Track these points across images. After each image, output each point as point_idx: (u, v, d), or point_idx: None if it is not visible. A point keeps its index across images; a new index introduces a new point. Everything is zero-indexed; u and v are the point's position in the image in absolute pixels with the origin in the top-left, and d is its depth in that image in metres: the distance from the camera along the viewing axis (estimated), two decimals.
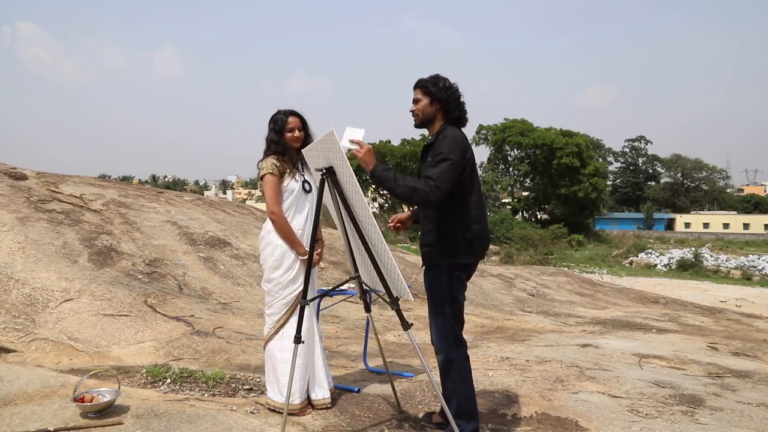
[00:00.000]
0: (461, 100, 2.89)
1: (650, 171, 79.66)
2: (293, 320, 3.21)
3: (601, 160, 62.07)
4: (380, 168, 2.77)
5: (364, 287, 3.26)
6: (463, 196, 2.82)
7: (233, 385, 3.83)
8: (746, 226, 62.27)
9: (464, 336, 3.02)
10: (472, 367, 3.14)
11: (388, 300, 2.92)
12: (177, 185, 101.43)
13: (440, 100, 2.86)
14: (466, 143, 2.84)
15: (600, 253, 34.23)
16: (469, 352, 3.01)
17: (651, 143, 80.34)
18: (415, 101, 2.93)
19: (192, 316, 5.35)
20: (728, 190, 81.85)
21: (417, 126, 2.97)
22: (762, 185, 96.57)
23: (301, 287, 3.19)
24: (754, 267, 27.14)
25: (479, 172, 3.10)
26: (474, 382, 2.98)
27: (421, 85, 2.90)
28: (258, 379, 3.99)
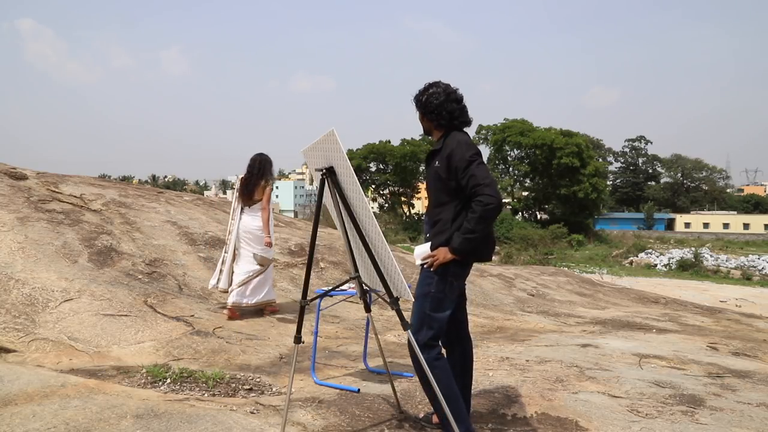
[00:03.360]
0: (448, 107, 2.91)
1: (650, 171, 79.71)
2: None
3: (601, 160, 62.13)
4: (456, 241, 2.75)
5: (364, 287, 3.26)
6: (459, 196, 2.84)
7: (233, 385, 3.83)
8: (746, 226, 62.32)
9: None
10: (473, 367, 3.13)
11: (388, 300, 2.92)
12: (177, 185, 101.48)
13: (427, 113, 2.97)
14: (472, 142, 2.91)
15: (600, 253, 34.26)
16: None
17: (651, 143, 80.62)
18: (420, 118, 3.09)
19: (192, 316, 5.35)
20: (728, 190, 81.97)
21: (425, 134, 3.15)
22: (762, 185, 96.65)
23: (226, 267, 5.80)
24: (754, 267, 27.16)
25: None
26: (469, 382, 2.94)
27: (414, 101, 3.03)
28: (258, 379, 3.99)
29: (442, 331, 2.91)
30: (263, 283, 5.82)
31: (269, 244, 5.77)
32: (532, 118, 52.83)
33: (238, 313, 5.66)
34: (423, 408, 3.45)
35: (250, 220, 5.79)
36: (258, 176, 5.78)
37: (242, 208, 5.85)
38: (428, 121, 2.99)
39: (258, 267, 5.76)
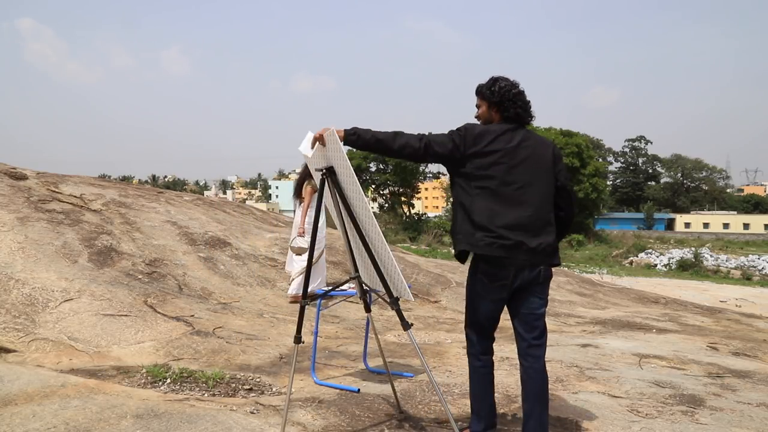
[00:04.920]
0: (521, 98, 2.92)
1: (650, 171, 79.70)
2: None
3: (601, 160, 62.06)
4: (350, 131, 2.84)
5: (364, 287, 3.26)
6: (469, 186, 2.79)
7: (233, 385, 3.83)
8: (746, 226, 62.33)
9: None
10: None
11: (388, 300, 2.92)
12: (177, 185, 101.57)
13: (495, 103, 2.93)
14: (482, 131, 2.82)
15: (600, 253, 34.19)
16: None
17: (651, 143, 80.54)
18: (477, 107, 3.02)
19: (192, 316, 5.35)
20: (728, 190, 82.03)
21: None
22: (762, 185, 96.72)
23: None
24: (754, 267, 27.13)
25: None
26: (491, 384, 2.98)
27: (478, 91, 3.00)
28: (258, 379, 3.99)
29: (480, 332, 2.91)
30: (300, 279, 6.55)
31: (301, 234, 6.46)
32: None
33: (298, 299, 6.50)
34: (423, 408, 3.46)
35: (296, 216, 6.70)
36: (302, 177, 6.71)
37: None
38: (494, 112, 2.93)
39: (299, 257, 6.57)
